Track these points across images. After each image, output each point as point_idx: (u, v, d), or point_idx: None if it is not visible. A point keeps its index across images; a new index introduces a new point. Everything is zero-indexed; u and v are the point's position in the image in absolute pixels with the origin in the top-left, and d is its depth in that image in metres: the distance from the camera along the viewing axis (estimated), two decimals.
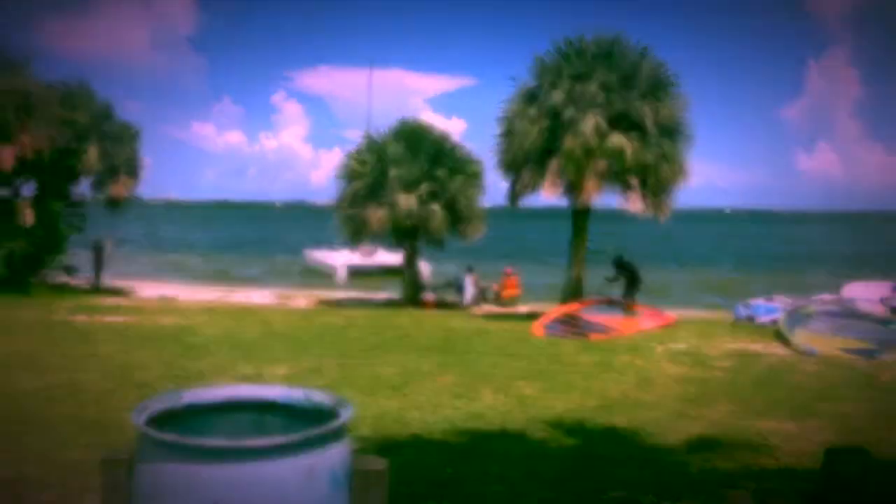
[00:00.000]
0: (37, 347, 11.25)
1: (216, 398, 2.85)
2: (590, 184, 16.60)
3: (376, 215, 19.70)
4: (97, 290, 23.66)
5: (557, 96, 16.98)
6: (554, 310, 16.40)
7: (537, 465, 6.16)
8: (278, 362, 10.55)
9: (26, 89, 19.47)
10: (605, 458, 6.37)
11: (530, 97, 17.87)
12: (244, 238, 77.00)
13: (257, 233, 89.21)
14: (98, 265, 25.23)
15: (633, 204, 17.05)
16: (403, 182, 20.00)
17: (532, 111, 17.33)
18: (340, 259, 35.45)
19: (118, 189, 23.40)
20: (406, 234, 20.92)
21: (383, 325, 14.99)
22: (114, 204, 24.18)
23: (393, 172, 19.98)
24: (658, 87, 17.29)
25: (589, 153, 16.44)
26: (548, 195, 17.17)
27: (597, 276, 18.42)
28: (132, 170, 23.92)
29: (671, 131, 17.20)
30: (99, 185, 23.53)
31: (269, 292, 26.12)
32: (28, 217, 19.72)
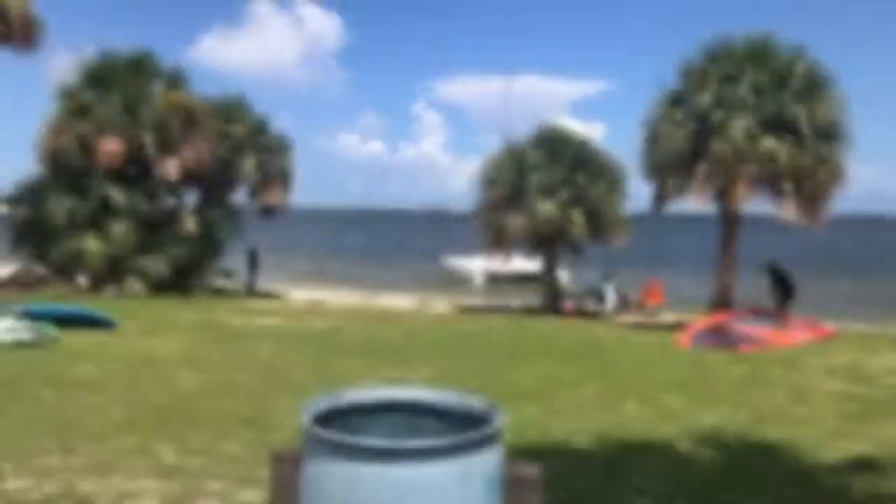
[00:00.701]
0: (199, 346, 11.95)
1: (375, 399, 2.94)
2: (740, 189, 15.93)
3: (515, 222, 19.72)
4: (251, 293, 25.04)
5: (705, 99, 16.41)
6: (701, 319, 15.80)
7: (684, 478, 5.96)
8: (420, 366, 10.76)
9: (190, 104, 20.92)
10: (758, 474, 6.08)
11: (676, 100, 17.37)
12: (385, 244, 79.12)
13: (398, 239, 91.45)
14: (252, 270, 26.69)
15: (787, 210, 16.19)
16: (543, 188, 19.94)
17: (678, 114, 16.84)
18: (478, 265, 35.68)
19: (271, 197, 24.74)
20: (545, 241, 20.80)
21: (523, 332, 14.96)
22: (267, 211, 25.59)
23: (532, 179, 19.94)
24: (813, 87, 16.34)
25: (739, 157, 15.78)
26: (695, 201, 16.60)
27: (747, 285, 17.62)
28: (285, 179, 25.24)
29: (828, 133, 16.21)
30: (254, 193, 24.97)
31: (409, 297, 26.73)
32: (190, 224, 21.14)
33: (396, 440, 2.53)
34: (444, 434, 2.77)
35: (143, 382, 8.99)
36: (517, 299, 24.90)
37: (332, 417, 2.78)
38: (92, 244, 19.49)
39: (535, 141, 21.15)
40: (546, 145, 20.75)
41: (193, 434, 6.78)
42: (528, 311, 21.21)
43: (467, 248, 38.72)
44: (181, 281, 21.62)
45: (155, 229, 20.73)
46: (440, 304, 23.79)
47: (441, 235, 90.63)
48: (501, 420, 2.67)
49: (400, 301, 24.86)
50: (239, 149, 23.15)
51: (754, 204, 16.91)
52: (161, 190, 21.08)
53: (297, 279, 36.40)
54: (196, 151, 20.61)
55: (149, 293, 19.91)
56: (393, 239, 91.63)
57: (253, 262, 26.80)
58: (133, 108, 20.38)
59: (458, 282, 36.17)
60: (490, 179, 20.91)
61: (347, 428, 2.71)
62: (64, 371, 9.50)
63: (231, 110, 23.92)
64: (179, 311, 16.94)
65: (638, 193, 21.47)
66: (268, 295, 24.91)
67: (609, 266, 24.16)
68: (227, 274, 24.74)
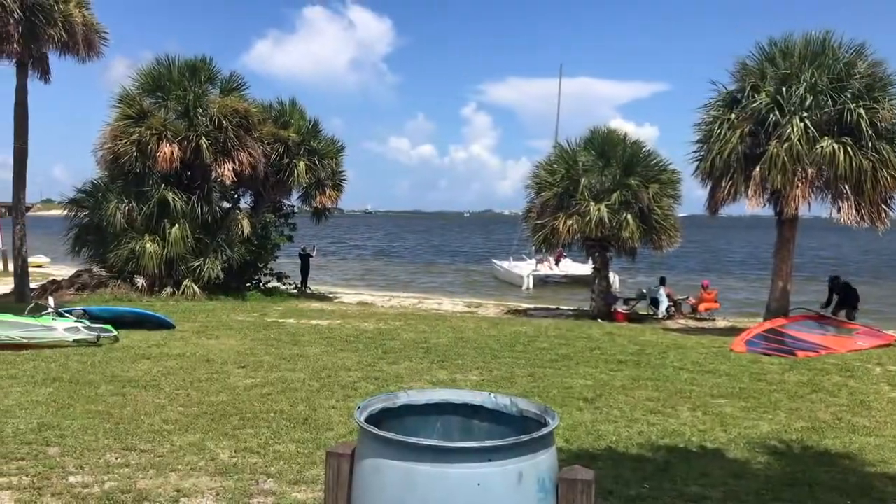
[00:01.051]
0: (252, 347, 12.17)
1: (428, 400, 2.99)
2: (797, 192, 15.55)
3: (566, 225, 19.54)
4: (303, 294, 25.36)
5: (761, 100, 16.08)
6: (757, 325, 15.48)
7: (739, 486, 5.86)
8: (470, 369, 10.78)
9: (245, 109, 21.28)
10: (816, 484, 5.95)
11: (731, 101, 17.04)
12: (435, 246, 79.36)
13: (447, 241, 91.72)
14: (304, 271, 27.04)
15: (847, 213, 15.75)
16: (594, 191, 19.75)
17: (733, 116, 16.53)
18: (527, 269, 35.57)
19: (323, 200, 24.99)
20: (596, 245, 20.60)
21: (573, 336, 14.83)
22: (319, 214, 25.88)
23: (583, 181, 19.76)
24: (874, 88, 15.88)
25: (796, 160, 15.43)
26: (750, 205, 16.27)
27: (804, 290, 17.23)
28: (337, 182, 25.48)
29: (891, 134, 15.74)
30: (306, 196, 25.26)
31: (458, 300, 26.75)
32: (245, 227, 21.49)
33: (450, 441, 2.55)
34: (497, 436, 2.80)
35: (199, 382, 9.20)
36: (568, 303, 24.72)
37: (386, 417, 2.83)
38: (149, 246, 19.95)
39: (587, 143, 20.95)
40: (597, 147, 20.54)
41: (248, 433, 6.90)
42: (579, 314, 21.04)
43: (516, 251, 38.69)
44: (235, 283, 22.02)
45: (210, 232, 21.14)
46: (490, 307, 23.75)
47: (490, 238, 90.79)
48: (555, 423, 2.70)
49: (450, 303, 24.91)
50: (293, 153, 23.44)
51: (814, 207, 16.53)
52: (216, 193, 21.45)
53: (348, 281, 36.79)
54: (250, 155, 20.95)
55: (204, 295, 20.31)
56: (443, 241, 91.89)
57: (305, 264, 27.15)
58: (189, 113, 20.84)
59: (506, 285, 36.06)
60: (540, 182, 20.78)
61: (402, 428, 2.75)
62: (123, 370, 9.79)
63: (285, 115, 24.26)
64: (233, 313, 17.25)
65: (690, 196, 21.11)
66: (319, 297, 25.19)
67: (661, 270, 23.86)
68: (281, 276, 25.11)
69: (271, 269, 24.70)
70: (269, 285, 24.23)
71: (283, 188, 24.34)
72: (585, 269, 29.96)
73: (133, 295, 19.59)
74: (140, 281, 20.06)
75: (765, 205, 16.53)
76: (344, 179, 25.95)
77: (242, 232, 21.39)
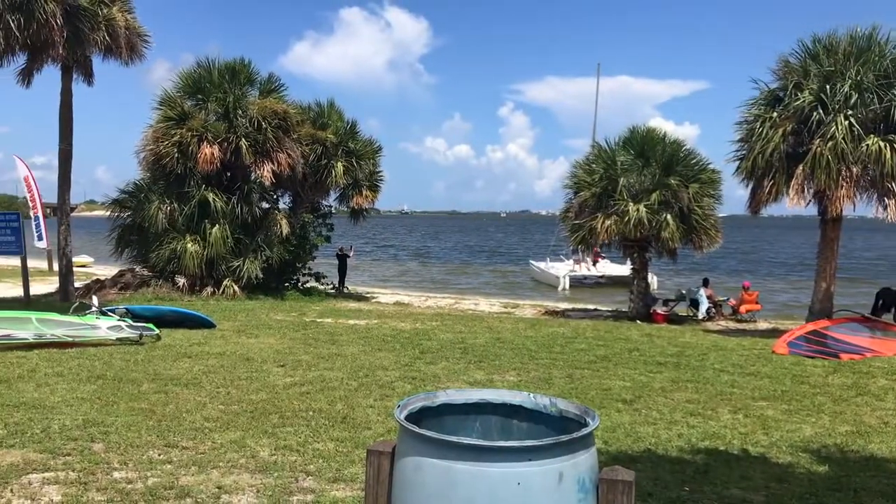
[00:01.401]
0: (291, 346, 12.30)
1: (467, 400, 3.01)
2: (842, 191, 15.27)
3: (604, 225, 19.39)
4: (341, 294, 25.56)
5: (804, 98, 15.82)
6: (799, 327, 15.23)
7: (781, 490, 5.78)
8: (507, 370, 10.77)
9: (284, 110, 21.51)
10: (862, 489, 5.84)
11: (773, 100, 16.79)
12: (471, 247, 79.35)
13: (483, 242, 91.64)
14: (342, 272, 27.25)
15: (894, 211, 15.43)
16: (633, 191, 19.59)
17: (775, 114, 16.28)
18: (563, 269, 35.43)
19: (360, 201, 25.15)
20: (635, 245, 20.43)
21: (611, 337, 14.72)
22: (356, 215, 26.04)
23: (622, 181, 19.60)
24: None
25: (841, 158, 15.14)
26: (793, 204, 16.00)
27: (848, 291, 16.89)
28: (374, 183, 25.62)
29: None
30: (343, 197, 25.44)
31: (495, 300, 26.72)
32: (284, 228, 21.71)
33: (490, 440, 2.58)
34: (536, 436, 2.82)
35: (239, 380, 9.33)
36: (605, 304, 24.55)
37: (425, 416, 2.85)
38: (190, 247, 20.26)
39: (626, 142, 20.77)
40: (637, 147, 20.35)
41: (288, 431, 6.98)
42: (617, 315, 20.88)
43: (553, 252, 38.57)
44: (274, 282, 22.27)
45: (250, 232, 21.40)
46: (526, 308, 23.68)
47: (527, 238, 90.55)
48: (596, 423, 2.69)
49: (486, 304, 24.91)
50: (330, 153, 23.62)
51: (853, 205, 16.20)
52: (255, 194, 21.71)
53: (385, 281, 36.99)
54: (289, 156, 21.18)
55: (243, 294, 20.57)
56: (479, 242, 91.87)
57: (342, 264, 27.36)
58: (229, 115, 21.13)
59: (543, 285, 35.95)
60: (578, 182, 20.65)
61: (441, 427, 2.78)
62: (165, 368, 9.96)
63: (323, 116, 24.46)
64: (272, 312, 17.46)
65: (731, 196, 20.84)
66: (356, 296, 25.37)
67: (700, 271, 23.57)
68: (319, 276, 25.34)
69: (309, 269, 24.94)
70: (307, 285, 24.46)
71: (320, 189, 24.54)
72: (623, 269, 29.80)
73: (174, 294, 19.94)
74: (181, 280, 20.39)
75: (807, 204, 16.26)
76: (381, 180, 26.13)
77: (281, 232, 21.62)
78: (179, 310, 15.07)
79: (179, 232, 20.52)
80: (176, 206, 20.56)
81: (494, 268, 50.03)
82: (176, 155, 20.37)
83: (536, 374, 10.50)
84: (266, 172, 20.82)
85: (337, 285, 26.50)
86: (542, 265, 38.99)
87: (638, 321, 19.09)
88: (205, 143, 20.32)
